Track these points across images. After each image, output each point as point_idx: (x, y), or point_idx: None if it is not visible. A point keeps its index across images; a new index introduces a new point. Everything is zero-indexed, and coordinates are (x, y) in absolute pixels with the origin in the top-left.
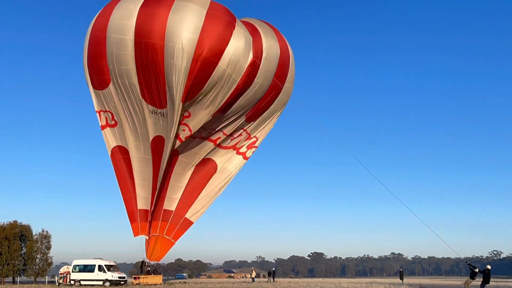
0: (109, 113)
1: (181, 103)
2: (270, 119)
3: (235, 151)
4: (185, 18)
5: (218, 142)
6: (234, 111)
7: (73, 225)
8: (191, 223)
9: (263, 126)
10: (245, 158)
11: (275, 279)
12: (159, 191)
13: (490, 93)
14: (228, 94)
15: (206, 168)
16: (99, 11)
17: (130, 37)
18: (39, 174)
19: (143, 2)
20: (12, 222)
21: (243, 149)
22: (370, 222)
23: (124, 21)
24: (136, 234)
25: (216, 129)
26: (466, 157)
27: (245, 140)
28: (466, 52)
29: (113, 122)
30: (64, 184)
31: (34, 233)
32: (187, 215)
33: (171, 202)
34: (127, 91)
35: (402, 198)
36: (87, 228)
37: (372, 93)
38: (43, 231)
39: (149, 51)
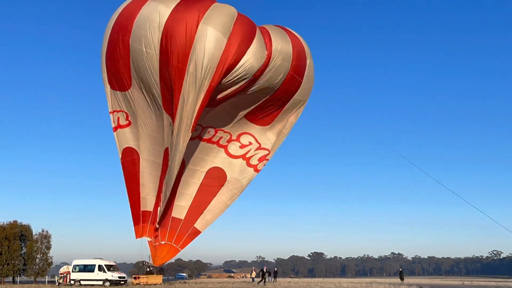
0: (123, 113)
1: (190, 133)
2: (281, 130)
3: (245, 162)
4: (208, 48)
5: (220, 142)
6: (227, 108)
7: (73, 225)
8: (199, 232)
9: (275, 136)
10: (256, 170)
11: (277, 279)
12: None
13: (481, 91)
14: (219, 97)
15: (215, 177)
16: (119, 11)
17: (155, 51)
18: (39, 174)
19: (169, 15)
20: (12, 222)
21: (254, 161)
22: (370, 222)
23: (150, 34)
24: (138, 236)
25: (216, 128)
26: (466, 157)
27: (255, 150)
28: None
29: (126, 122)
30: (64, 184)
31: (34, 233)
32: (196, 225)
33: (180, 210)
34: (149, 99)
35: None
36: (87, 228)
37: (375, 91)
38: (43, 231)
39: (172, 72)
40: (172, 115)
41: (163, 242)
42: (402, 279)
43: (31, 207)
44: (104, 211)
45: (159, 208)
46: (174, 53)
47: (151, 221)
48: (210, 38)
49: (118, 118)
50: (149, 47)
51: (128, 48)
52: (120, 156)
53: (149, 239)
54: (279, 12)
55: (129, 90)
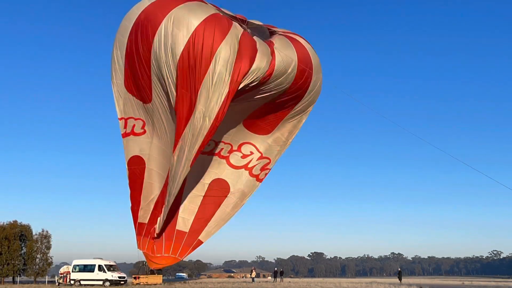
0: (140, 121)
1: (189, 168)
2: (282, 138)
3: (247, 172)
4: (213, 91)
5: (222, 154)
6: (225, 120)
7: (73, 225)
8: (201, 242)
9: (276, 145)
10: (258, 180)
11: (276, 279)
12: (170, 211)
13: (488, 94)
14: None
15: (219, 189)
16: (135, 19)
17: (173, 77)
18: (39, 174)
19: (186, 44)
20: (12, 222)
21: (256, 171)
22: (370, 222)
23: (169, 60)
24: (138, 246)
25: (216, 140)
26: (466, 157)
27: (257, 160)
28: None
29: (142, 131)
30: (64, 184)
31: (34, 233)
32: (200, 237)
33: (184, 223)
34: (166, 117)
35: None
36: (87, 228)
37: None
38: (43, 231)
39: (184, 102)
40: (176, 140)
41: (166, 255)
42: (400, 279)
43: (31, 207)
44: (104, 211)
45: (158, 219)
46: (187, 85)
47: (145, 233)
48: (219, 81)
49: (134, 125)
50: (168, 73)
51: (150, 67)
52: (127, 162)
53: (144, 251)
54: (279, 12)
55: (150, 104)
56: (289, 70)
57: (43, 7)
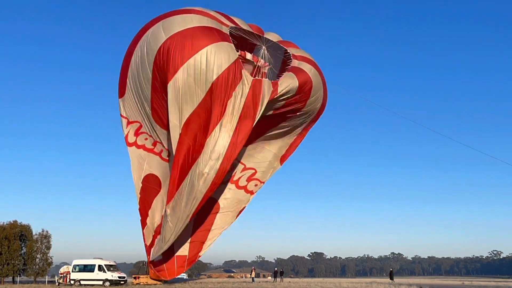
0: (166, 151)
1: (188, 221)
2: (267, 148)
3: (234, 185)
4: (217, 150)
5: None
6: None
7: (73, 225)
8: (199, 256)
9: (259, 154)
10: (247, 192)
11: (276, 279)
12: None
13: (488, 94)
14: None
15: (209, 207)
16: (157, 49)
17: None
18: (39, 174)
19: (200, 102)
20: (12, 222)
21: (243, 183)
22: (370, 222)
23: (184, 108)
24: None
25: None
26: (466, 157)
27: (241, 172)
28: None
29: (166, 158)
30: (64, 184)
31: (34, 233)
32: (199, 254)
33: (182, 248)
34: None
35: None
36: (87, 228)
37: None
38: (43, 231)
39: (183, 149)
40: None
41: (169, 279)
42: (391, 278)
43: (31, 207)
44: (104, 211)
45: (153, 249)
46: (191, 135)
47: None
48: (222, 141)
49: (162, 150)
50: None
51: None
52: (144, 176)
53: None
54: (280, 13)
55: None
56: (282, 98)
57: (43, 7)
